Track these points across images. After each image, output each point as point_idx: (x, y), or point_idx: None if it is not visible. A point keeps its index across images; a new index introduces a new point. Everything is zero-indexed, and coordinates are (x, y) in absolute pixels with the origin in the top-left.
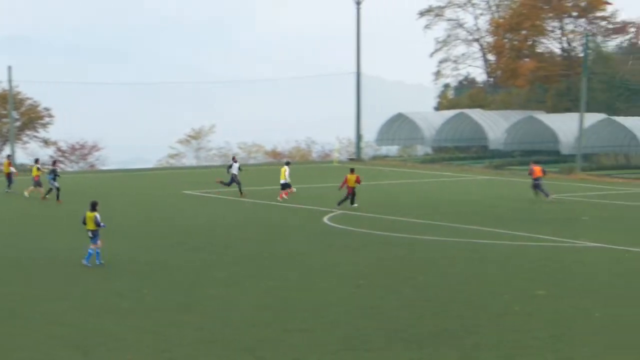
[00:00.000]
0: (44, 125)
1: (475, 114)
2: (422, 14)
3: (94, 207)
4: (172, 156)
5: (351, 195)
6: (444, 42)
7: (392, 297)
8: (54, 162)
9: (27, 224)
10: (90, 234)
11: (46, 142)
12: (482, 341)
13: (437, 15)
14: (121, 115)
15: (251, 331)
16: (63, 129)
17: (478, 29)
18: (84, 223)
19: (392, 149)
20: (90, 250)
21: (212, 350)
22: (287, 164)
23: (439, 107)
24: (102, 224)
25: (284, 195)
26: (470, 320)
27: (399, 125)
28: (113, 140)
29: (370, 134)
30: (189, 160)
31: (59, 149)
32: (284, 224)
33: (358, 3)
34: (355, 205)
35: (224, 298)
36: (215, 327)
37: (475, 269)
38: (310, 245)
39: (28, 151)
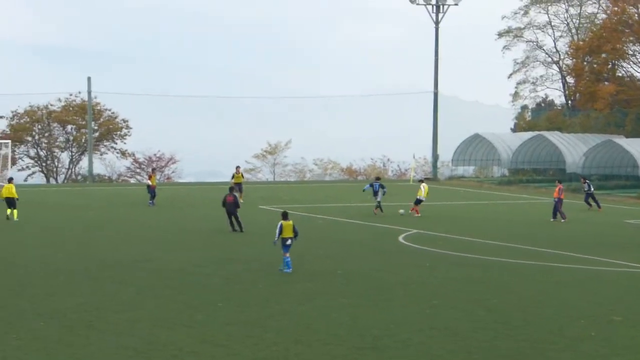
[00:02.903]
0: (122, 137)
1: (553, 136)
2: (501, 35)
3: (285, 216)
4: (248, 170)
5: None
6: (523, 64)
7: (465, 318)
8: (378, 178)
9: (109, 232)
10: (288, 242)
11: (123, 154)
12: None
13: (516, 36)
14: (198, 128)
15: (324, 349)
16: (140, 141)
17: (557, 51)
18: (280, 231)
19: (469, 170)
20: (287, 258)
21: None
22: (421, 181)
23: (516, 129)
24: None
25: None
26: (546, 345)
27: (476, 146)
28: (189, 153)
29: (446, 153)
30: (265, 175)
31: (135, 161)
32: (359, 241)
33: (436, 23)
34: None
35: (298, 314)
36: (289, 344)
37: (551, 292)
38: (385, 263)
39: (105, 162)
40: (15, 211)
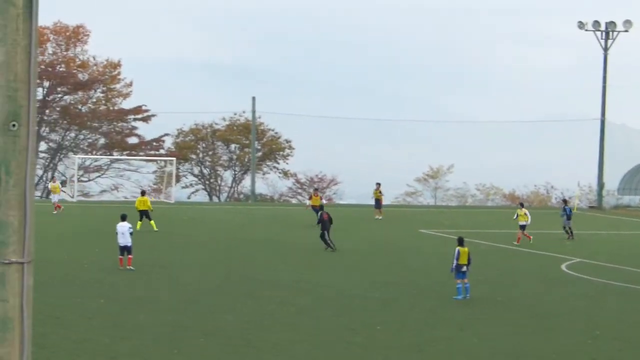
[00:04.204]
0: (284, 157)
1: None
2: None
3: (462, 242)
4: (409, 194)
5: None
6: None
7: (629, 351)
8: (564, 201)
9: (262, 251)
10: (463, 269)
11: (285, 174)
12: None
13: None
14: (360, 151)
15: None
16: (302, 161)
17: None
18: (457, 258)
19: (635, 199)
20: (459, 285)
21: None
22: (522, 205)
23: None
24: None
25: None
26: None
27: None
28: (350, 175)
29: (612, 182)
30: (426, 199)
31: (297, 181)
32: (520, 268)
33: (605, 49)
34: None
35: (457, 340)
36: None
37: None
38: (546, 291)
39: (268, 181)
40: (152, 222)
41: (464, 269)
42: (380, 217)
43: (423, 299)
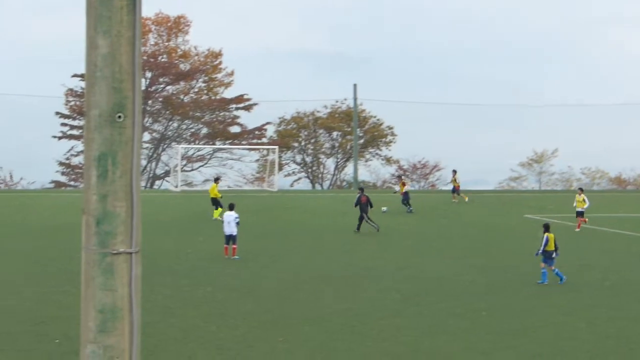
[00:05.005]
0: (387, 144)
1: None
2: None
3: (548, 228)
4: (513, 179)
5: None
6: None
7: None
8: None
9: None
10: (553, 255)
11: (388, 160)
12: None
13: None
14: (463, 136)
15: None
16: (404, 148)
17: None
18: (545, 244)
19: None
20: (544, 270)
21: None
22: (582, 190)
23: None
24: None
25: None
26: None
27: None
28: (453, 161)
29: None
30: (531, 184)
31: (400, 168)
32: (627, 252)
33: None
34: None
35: (562, 326)
36: (553, 355)
37: None
38: None
39: (370, 168)
40: (216, 211)
41: (554, 255)
42: (456, 201)
43: (528, 285)
